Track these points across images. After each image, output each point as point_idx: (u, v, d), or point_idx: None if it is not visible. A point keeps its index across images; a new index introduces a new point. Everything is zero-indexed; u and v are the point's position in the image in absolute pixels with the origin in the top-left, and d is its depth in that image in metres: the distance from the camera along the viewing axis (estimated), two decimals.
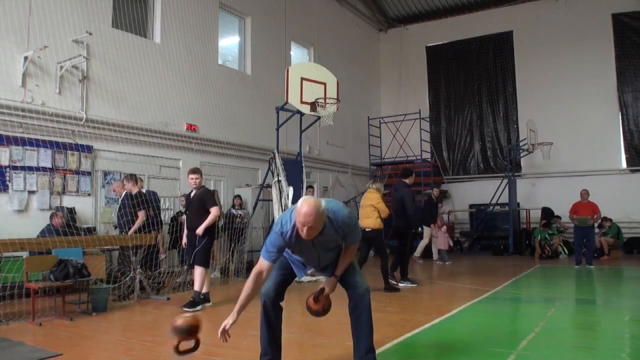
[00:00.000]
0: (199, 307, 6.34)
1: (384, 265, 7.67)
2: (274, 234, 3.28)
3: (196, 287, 6.46)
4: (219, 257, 9.49)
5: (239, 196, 10.89)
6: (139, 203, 7.30)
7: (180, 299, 7.17)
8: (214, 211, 6.48)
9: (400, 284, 8.02)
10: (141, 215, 7.27)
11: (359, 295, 3.42)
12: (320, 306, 3.48)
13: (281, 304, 3.51)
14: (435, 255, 12.37)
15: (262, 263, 3.28)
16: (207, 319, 6.00)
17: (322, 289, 3.47)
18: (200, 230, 6.40)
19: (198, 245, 6.47)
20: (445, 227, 12.74)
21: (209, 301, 6.61)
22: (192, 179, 6.61)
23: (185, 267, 8.00)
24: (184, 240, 6.87)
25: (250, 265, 10.38)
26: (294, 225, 3.17)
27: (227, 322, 3.17)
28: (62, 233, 7.27)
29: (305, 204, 3.08)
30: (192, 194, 6.77)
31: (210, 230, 6.58)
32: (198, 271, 6.46)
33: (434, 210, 12.35)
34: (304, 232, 3.10)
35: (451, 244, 12.94)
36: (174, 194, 10.16)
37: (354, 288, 3.46)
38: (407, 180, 8.41)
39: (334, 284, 3.49)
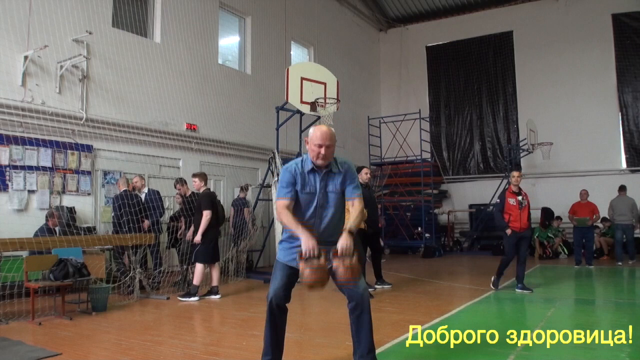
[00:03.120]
0: (194, 299, 6.94)
1: None
2: (282, 173, 3.46)
3: (195, 282, 7.08)
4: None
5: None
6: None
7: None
8: (205, 215, 7.07)
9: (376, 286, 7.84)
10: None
11: (358, 294, 3.34)
12: (317, 276, 3.10)
13: (287, 305, 3.48)
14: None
15: (283, 201, 3.37)
16: (206, 318, 6.01)
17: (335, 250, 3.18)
18: (197, 239, 7.05)
19: (197, 246, 7.10)
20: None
21: (217, 294, 7.18)
22: (193, 182, 7.54)
23: (185, 266, 8.08)
24: (189, 236, 7.71)
25: (250, 264, 10.39)
26: (303, 160, 3.42)
27: (308, 244, 3.11)
28: (57, 233, 7.28)
29: (318, 127, 3.32)
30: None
31: (206, 231, 7.08)
32: (198, 268, 7.11)
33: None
34: (321, 153, 3.33)
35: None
36: (174, 194, 10.13)
37: (352, 286, 3.35)
38: (359, 179, 8.14)
39: (347, 238, 3.17)
